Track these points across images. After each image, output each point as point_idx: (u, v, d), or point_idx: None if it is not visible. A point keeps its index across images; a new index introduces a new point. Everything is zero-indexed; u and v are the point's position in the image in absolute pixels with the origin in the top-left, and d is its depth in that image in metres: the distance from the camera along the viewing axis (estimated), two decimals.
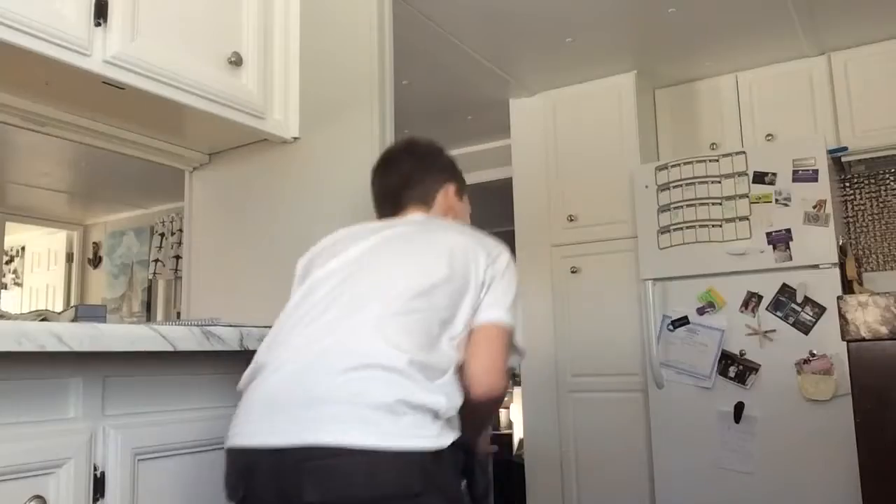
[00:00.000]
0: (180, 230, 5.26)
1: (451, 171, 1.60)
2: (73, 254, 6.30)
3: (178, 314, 3.15)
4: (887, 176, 3.46)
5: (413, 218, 1.50)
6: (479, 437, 1.41)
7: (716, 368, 2.92)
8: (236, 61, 1.88)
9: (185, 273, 2.32)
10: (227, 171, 2.24)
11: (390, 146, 1.75)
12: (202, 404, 1.48)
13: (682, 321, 3.01)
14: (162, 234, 5.57)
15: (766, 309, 2.85)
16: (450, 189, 1.57)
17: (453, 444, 1.16)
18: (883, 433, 1.13)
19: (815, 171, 2.84)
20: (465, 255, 1.31)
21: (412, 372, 1.14)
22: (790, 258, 2.83)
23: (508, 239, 3.91)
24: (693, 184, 3.06)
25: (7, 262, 6.23)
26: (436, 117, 4.14)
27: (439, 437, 1.14)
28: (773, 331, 2.83)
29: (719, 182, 3.01)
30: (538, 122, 3.73)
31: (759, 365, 2.84)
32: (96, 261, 6.22)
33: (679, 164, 3.11)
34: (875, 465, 1.14)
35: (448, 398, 1.17)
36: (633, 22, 3.06)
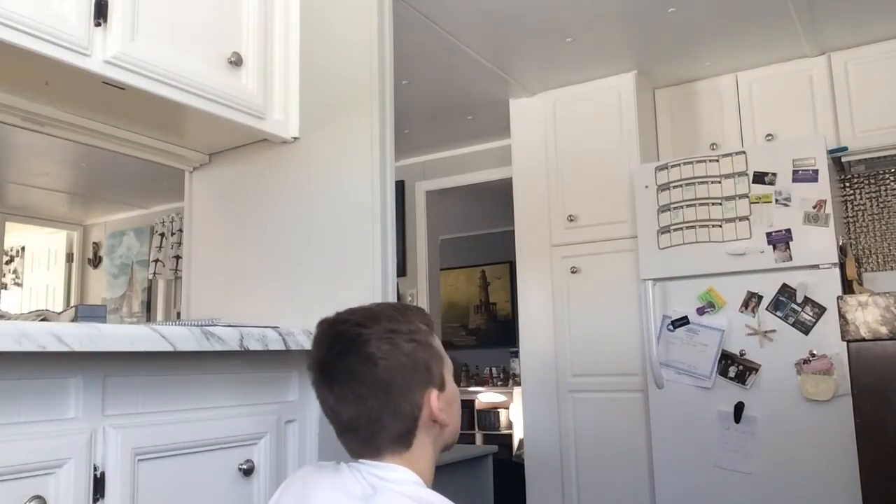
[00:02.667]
0: (180, 230, 5.26)
1: None
2: (73, 254, 6.31)
3: (178, 314, 3.15)
4: (887, 176, 3.46)
5: None
6: None
7: (716, 368, 2.92)
8: (236, 61, 1.88)
9: (185, 273, 2.31)
10: (227, 171, 2.24)
11: None
12: (202, 404, 1.48)
13: (682, 321, 3.01)
14: (162, 234, 5.58)
15: (766, 309, 2.85)
16: None
17: None
18: (883, 433, 1.13)
19: (815, 171, 2.84)
20: None
21: None
22: (790, 258, 2.83)
23: (508, 239, 3.94)
24: (693, 184, 3.06)
25: (7, 262, 6.23)
26: (436, 117, 4.14)
27: None
28: (773, 331, 2.83)
29: (719, 182, 3.01)
30: (538, 122, 3.73)
31: (759, 365, 2.84)
32: (96, 261, 6.22)
33: (679, 164, 3.11)
34: (875, 465, 1.14)
35: None
36: (633, 22, 3.07)
